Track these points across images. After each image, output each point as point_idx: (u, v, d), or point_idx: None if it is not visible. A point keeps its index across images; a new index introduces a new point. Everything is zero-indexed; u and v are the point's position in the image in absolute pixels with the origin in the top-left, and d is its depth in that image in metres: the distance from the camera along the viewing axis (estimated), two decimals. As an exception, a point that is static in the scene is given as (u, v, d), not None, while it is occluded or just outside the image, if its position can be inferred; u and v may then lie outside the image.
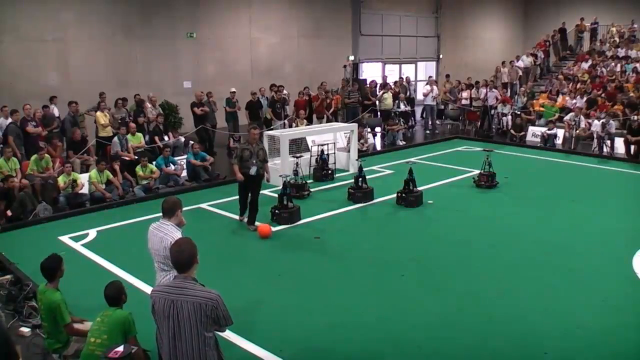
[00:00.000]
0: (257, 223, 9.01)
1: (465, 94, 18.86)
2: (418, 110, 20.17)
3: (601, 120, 15.03)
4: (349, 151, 13.22)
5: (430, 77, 20.95)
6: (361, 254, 8.03)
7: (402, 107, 17.89)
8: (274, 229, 9.01)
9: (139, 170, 11.51)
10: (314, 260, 7.84)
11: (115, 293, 4.90)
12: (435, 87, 18.58)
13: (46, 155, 10.91)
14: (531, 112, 17.68)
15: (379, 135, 17.23)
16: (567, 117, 16.18)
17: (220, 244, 8.47)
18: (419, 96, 20.00)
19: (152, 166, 11.71)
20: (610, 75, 18.94)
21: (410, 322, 6.05)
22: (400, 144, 16.34)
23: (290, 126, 15.42)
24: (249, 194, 9.12)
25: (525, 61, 21.60)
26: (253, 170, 8.92)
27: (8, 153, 10.41)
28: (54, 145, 11.71)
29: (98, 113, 12.94)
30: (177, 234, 4.64)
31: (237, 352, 5.42)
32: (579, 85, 18.41)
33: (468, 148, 15.92)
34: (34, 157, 10.80)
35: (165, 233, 4.72)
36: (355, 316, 6.18)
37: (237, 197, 9.38)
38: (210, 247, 8.20)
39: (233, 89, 15.80)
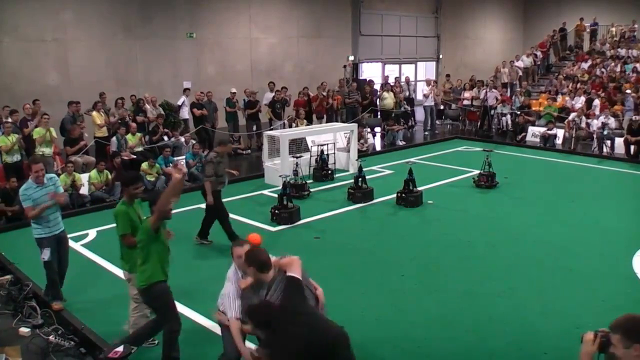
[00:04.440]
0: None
1: (467, 94, 18.87)
2: (418, 110, 20.17)
3: (601, 120, 15.04)
4: (348, 151, 13.23)
5: (428, 78, 21.00)
6: (361, 254, 8.03)
7: (402, 107, 17.92)
8: (273, 229, 9.02)
9: (145, 165, 11.49)
10: (314, 260, 7.81)
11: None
12: (434, 87, 18.59)
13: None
14: (530, 113, 17.65)
15: (378, 135, 17.23)
16: (569, 118, 16.17)
17: (220, 244, 8.45)
18: (419, 96, 20.03)
19: (159, 167, 11.68)
20: (611, 75, 18.93)
21: (410, 321, 6.06)
22: (400, 144, 16.35)
23: (290, 126, 15.43)
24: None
25: (525, 61, 21.60)
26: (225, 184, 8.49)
27: (8, 128, 10.41)
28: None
29: (94, 113, 12.94)
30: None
31: (237, 352, 5.42)
32: (579, 85, 18.41)
33: (468, 148, 15.92)
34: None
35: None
36: (355, 316, 6.17)
37: (208, 216, 8.40)
38: (210, 247, 8.22)
39: (234, 89, 15.80)
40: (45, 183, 6.20)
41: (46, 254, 6.16)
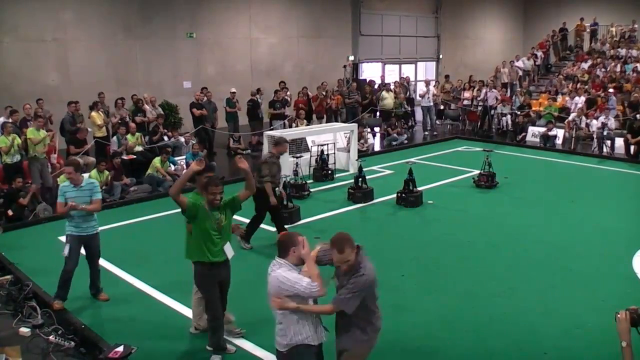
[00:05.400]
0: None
1: (467, 94, 18.87)
2: (418, 110, 20.17)
3: (601, 121, 15.05)
4: (349, 151, 13.23)
5: (426, 79, 21.06)
6: (361, 254, 8.02)
7: (402, 108, 17.93)
8: (273, 229, 8.99)
9: (157, 161, 11.47)
10: (313, 260, 7.82)
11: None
12: (431, 88, 18.60)
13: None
14: (530, 114, 17.64)
15: (378, 135, 17.22)
16: (569, 118, 16.18)
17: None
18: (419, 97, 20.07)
19: (168, 165, 11.71)
20: (611, 75, 18.93)
21: (410, 321, 6.05)
22: (404, 140, 16.34)
23: (290, 126, 15.43)
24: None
25: (526, 64, 21.60)
26: (282, 185, 8.37)
27: (9, 128, 10.39)
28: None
29: (93, 113, 12.93)
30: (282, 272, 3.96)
31: (236, 352, 5.42)
32: (579, 85, 18.42)
33: (468, 148, 15.92)
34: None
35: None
36: (355, 316, 6.17)
37: (275, 218, 8.25)
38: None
39: (233, 89, 15.82)
40: (82, 186, 6.29)
41: (66, 250, 6.31)
